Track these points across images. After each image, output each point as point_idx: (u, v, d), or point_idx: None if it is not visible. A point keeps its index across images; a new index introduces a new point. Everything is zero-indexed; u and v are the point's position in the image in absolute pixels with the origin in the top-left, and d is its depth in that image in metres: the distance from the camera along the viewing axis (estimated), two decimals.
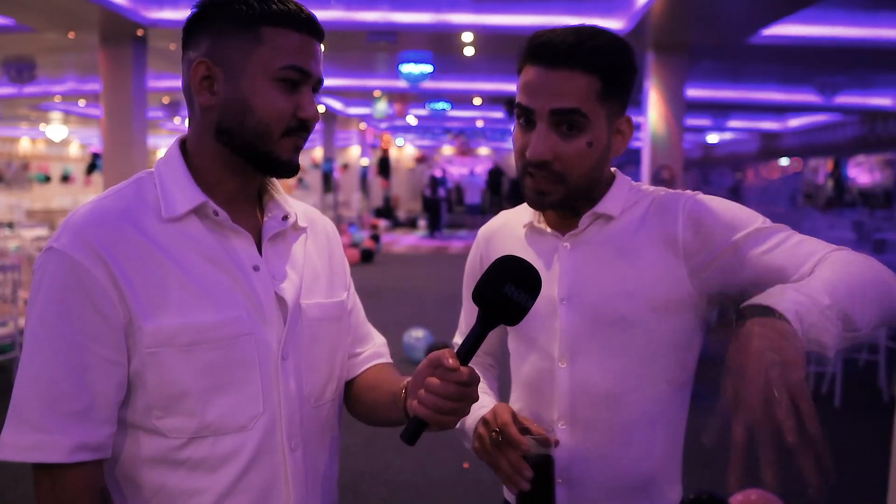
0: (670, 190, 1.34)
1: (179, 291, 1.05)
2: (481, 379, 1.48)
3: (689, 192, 1.31)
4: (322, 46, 1.13)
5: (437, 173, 22.63)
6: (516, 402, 1.40)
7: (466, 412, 1.06)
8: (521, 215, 1.41)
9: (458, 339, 1.55)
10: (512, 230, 1.42)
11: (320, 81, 1.13)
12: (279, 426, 1.11)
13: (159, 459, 1.06)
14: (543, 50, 1.22)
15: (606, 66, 1.22)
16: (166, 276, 1.04)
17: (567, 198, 1.27)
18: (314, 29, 1.10)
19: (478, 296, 1.05)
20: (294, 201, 1.25)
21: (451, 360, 1.02)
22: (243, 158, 1.10)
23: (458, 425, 1.35)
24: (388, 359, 1.37)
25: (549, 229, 1.34)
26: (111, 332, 1.02)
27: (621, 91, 1.26)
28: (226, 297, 1.07)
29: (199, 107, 1.10)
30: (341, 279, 1.29)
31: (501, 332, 1.46)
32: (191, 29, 1.10)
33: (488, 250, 1.45)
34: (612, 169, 1.36)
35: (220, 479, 1.07)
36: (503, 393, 1.49)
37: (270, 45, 1.06)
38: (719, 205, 1.27)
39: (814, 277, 1.09)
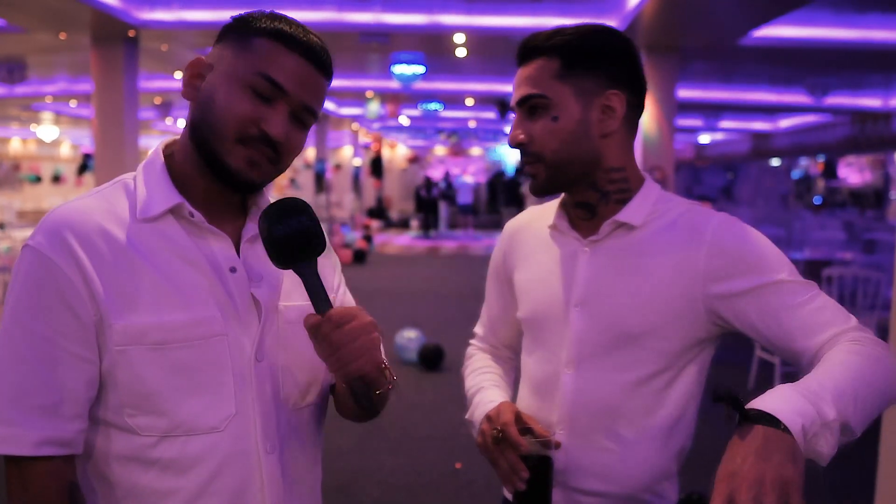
0: (702, 206, 1.32)
1: (151, 290, 1.05)
2: (500, 371, 1.51)
3: (721, 214, 1.28)
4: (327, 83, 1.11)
5: (434, 175, 22.69)
6: (521, 401, 1.41)
7: (371, 346, 1.03)
8: (548, 214, 1.41)
9: (478, 329, 1.60)
10: (537, 228, 1.42)
11: (308, 111, 1.10)
12: (253, 428, 1.10)
13: (131, 458, 1.06)
14: (519, 51, 1.31)
15: (563, 45, 1.26)
16: (139, 275, 1.05)
17: (553, 177, 1.29)
18: (315, 57, 1.08)
19: (276, 260, 1.04)
20: None
21: (309, 321, 1.02)
22: (203, 160, 1.09)
23: (468, 416, 1.42)
24: None
25: (571, 231, 1.35)
26: (82, 330, 1.03)
27: (590, 66, 1.26)
28: (199, 297, 1.08)
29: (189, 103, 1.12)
30: (328, 282, 1.26)
31: (521, 326, 1.47)
32: (217, 38, 1.13)
33: (512, 245, 1.47)
34: (644, 174, 1.35)
35: (192, 479, 1.07)
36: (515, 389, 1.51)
37: (255, 54, 1.06)
38: (747, 239, 1.24)
39: (822, 374, 1.04)
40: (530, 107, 1.28)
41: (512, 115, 1.33)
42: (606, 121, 1.28)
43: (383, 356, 1.08)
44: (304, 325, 1.03)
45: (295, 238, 1.03)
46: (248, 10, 1.12)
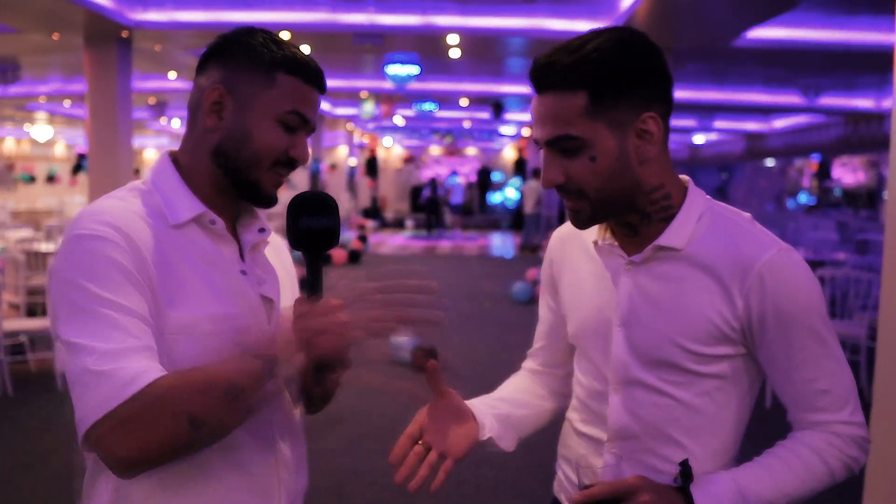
0: (756, 229, 1.26)
1: (191, 286, 1.15)
2: (519, 384, 1.53)
3: (774, 248, 1.21)
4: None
5: (427, 176, 22.70)
6: (572, 413, 1.43)
7: (341, 342, 1.06)
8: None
9: (530, 351, 1.59)
10: (585, 238, 1.37)
11: (314, 129, 1.25)
12: (270, 415, 1.23)
13: None
14: (532, 75, 1.22)
15: (591, 77, 1.15)
16: (179, 272, 1.14)
17: (598, 213, 1.24)
18: (320, 82, 1.22)
19: (291, 242, 1.16)
20: None
21: (300, 303, 1.10)
22: (230, 181, 1.21)
23: None
24: None
25: (616, 246, 1.30)
26: (144, 302, 1.08)
27: (620, 94, 1.17)
28: (226, 294, 1.19)
29: (204, 127, 1.19)
30: (295, 285, 1.41)
31: (571, 345, 1.45)
32: (207, 57, 1.21)
33: (559, 253, 1.45)
34: (686, 180, 1.30)
35: (224, 461, 1.17)
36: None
37: (281, 90, 1.17)
38: (793, 288, 1.20)
39: (767, 474, 1.19)
40: (562, 147, 1.19)
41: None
42: (645, 146, 1.20)
43: (352, 355, 1.10)
44: (295, 311, 1.09)
45: (324, 233, 1.16)
46: (242, 31, 1.21)
